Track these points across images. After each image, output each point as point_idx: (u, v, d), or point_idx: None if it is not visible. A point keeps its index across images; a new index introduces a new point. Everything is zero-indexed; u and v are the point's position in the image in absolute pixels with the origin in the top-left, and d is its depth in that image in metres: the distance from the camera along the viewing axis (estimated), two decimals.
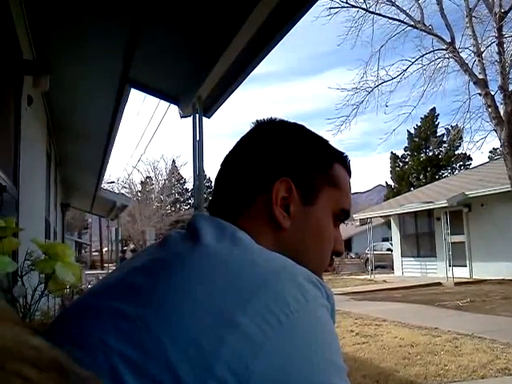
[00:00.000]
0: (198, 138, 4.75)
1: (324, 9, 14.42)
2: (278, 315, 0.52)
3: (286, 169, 0.75)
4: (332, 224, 0.79)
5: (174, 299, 0.55)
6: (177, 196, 50.43)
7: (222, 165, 0.82)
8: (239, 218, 0.73)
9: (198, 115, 4.72)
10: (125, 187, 37.93)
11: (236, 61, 3.12)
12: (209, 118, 5.05)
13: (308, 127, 0.83)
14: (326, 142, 0.83)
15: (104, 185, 13.92)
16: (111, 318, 0.56)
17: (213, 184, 0.85)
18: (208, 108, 4.79)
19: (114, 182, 34.91)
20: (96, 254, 51.31)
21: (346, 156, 0.84)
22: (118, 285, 0.63)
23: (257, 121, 0.84)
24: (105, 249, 46.69)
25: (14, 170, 3.07)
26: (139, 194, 39.83)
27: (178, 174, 48.50)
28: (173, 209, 47.29)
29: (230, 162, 0.81)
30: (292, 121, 0.84)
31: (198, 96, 4.27)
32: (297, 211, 0.74)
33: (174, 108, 5.04)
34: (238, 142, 0.82)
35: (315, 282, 0.59)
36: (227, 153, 0.82)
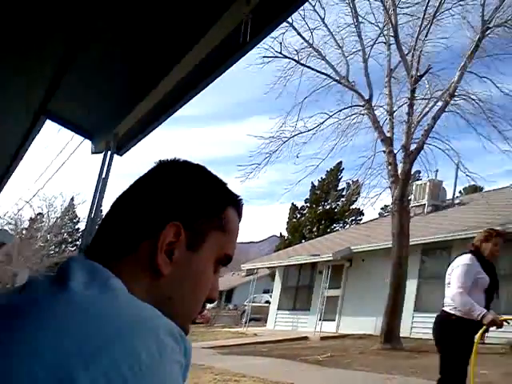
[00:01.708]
0: (103, 176, 4.53)
1: (258, 57, 14.37)
2: (124, 373, 0.50)
3: (177, 212, 0.72)
4: (213, 270, 0.77)
5: (11, 353, 0.51)
6: (65, 236, 47.49)
7: (112, 206, 0.76)
8: (116, 263, 0.68)
9: (109, 152, 4.54)
10: (10, 223, 35.01)
11: (162, 100, 3.08)
12: (121, 156, 4.88)
13: (208, 169, 0.81)
14: (223, 184, 0.81)
15: None
16: None
17: None
18: (122, 146, 4.64)
19: None
20: None
21: (241, 199, 0.82)
22: None
23: (159, 161, 0.80)
24: None
25: None
26: (24, 232, 36.96)
27: (73, 212, 45.98)
28: (57, 249, 44.30)
29: (121, 203, 0.76)
30: (195, 162, 0.81)
31: (115, 133, 4.13)
32: (180, 257, 0.71)
33: (86, 142, 4.83)
34: (133, 183, 0.78)
35: (176, 335, 0.57)
36: (120, 193, 0.77)
